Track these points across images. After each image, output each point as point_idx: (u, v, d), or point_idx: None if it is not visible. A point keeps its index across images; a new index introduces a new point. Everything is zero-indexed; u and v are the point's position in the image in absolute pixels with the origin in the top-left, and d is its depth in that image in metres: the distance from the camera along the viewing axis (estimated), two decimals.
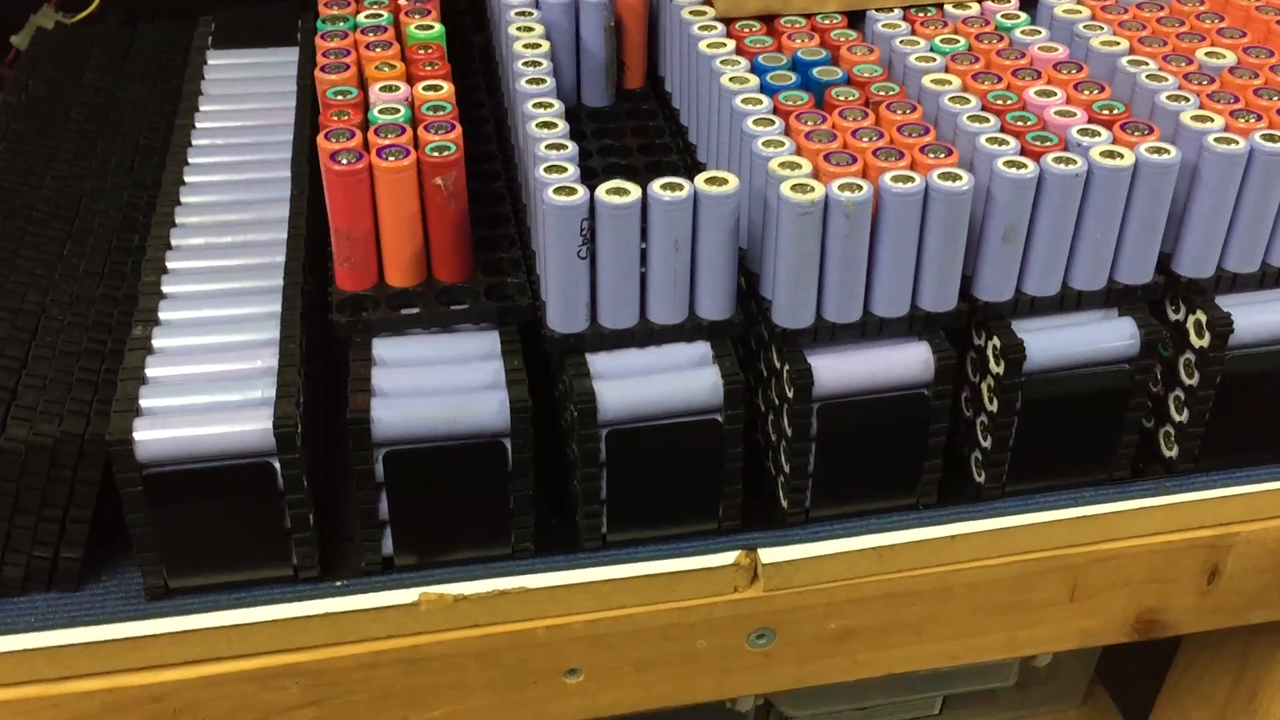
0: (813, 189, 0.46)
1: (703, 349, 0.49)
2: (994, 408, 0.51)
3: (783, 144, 0.49)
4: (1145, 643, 0.71)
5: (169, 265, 0.52)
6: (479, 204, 0.54)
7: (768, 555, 0.51)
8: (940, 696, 0.76)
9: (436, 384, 0.47)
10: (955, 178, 0.47)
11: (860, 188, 0.46)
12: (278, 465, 0.46)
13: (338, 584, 0.49)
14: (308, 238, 0.54)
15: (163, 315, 0.50)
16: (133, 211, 0.57)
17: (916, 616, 0.55)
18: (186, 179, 0.57)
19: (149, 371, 0.47)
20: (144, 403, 0.46)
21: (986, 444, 0.52)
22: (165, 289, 0.51)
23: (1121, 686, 0.83)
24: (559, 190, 0.46)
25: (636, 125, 0.62)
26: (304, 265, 0.53)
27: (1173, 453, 0.54)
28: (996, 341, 0.50)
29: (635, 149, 0.59)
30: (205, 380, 0.47)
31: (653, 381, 0.48)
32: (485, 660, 0.51)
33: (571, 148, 0.48)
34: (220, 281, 0.52)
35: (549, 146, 0.49)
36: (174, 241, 0.54)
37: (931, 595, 0.54)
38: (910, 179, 0.46)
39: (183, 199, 0.56)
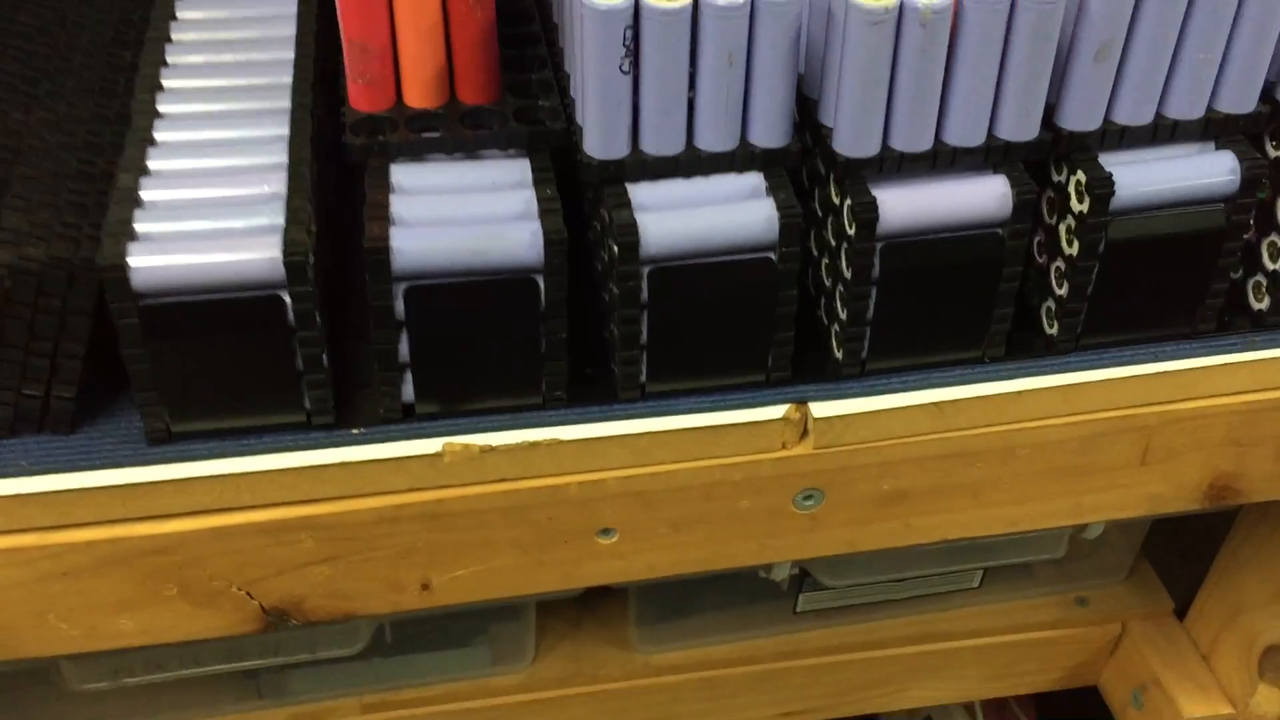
0: None
1: (755, 180, 0.45)
2: (1073, 250, 0.46)
3: None
4: (1185, 525, 0.67)
5: (165, 84, 0.47)
6: (506, 23, 0.49)
7: (819, 410, 0.47)
8: (981, 570, 0.73)
9: (462, 213, 0.43)
10: None
11: None
12: (287, 299, 0.42)
13: (355, 432, 0.45)
14: (318, 57, 0.49)
15: (159, 136, 0.45)
16: (125, 27, 0.52)
17: (975, 479, 0.51)
18: None
19: (144, 194, 0.43)
20: (139, 227, 0.41)
21: (1061, 291, 0.48)
22: (161, 108, 0.46)
23: (1159, 566, 0.80)
24: None
25: None
26: (313, 86, 0.48)
27: (1262, 304, 0.50)
28: (1081, 175, 0.45)
29: None
30: (207, 205, 0.43)
31: (700, 214, 0.44)
32: (513, 517, 0.48)
33: None
34: (221, 102, 0.47)
35: None
36: (170, 59, 0.49)
37: (993, 456, 0.50)
38: None
39: (179, 13, 0.51)
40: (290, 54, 0.49)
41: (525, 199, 0.43)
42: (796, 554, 0.53)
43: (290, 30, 0.50)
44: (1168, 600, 0.77)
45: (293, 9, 0.51)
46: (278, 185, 0.43)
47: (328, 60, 0.50)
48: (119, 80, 0.49)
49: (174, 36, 0.50)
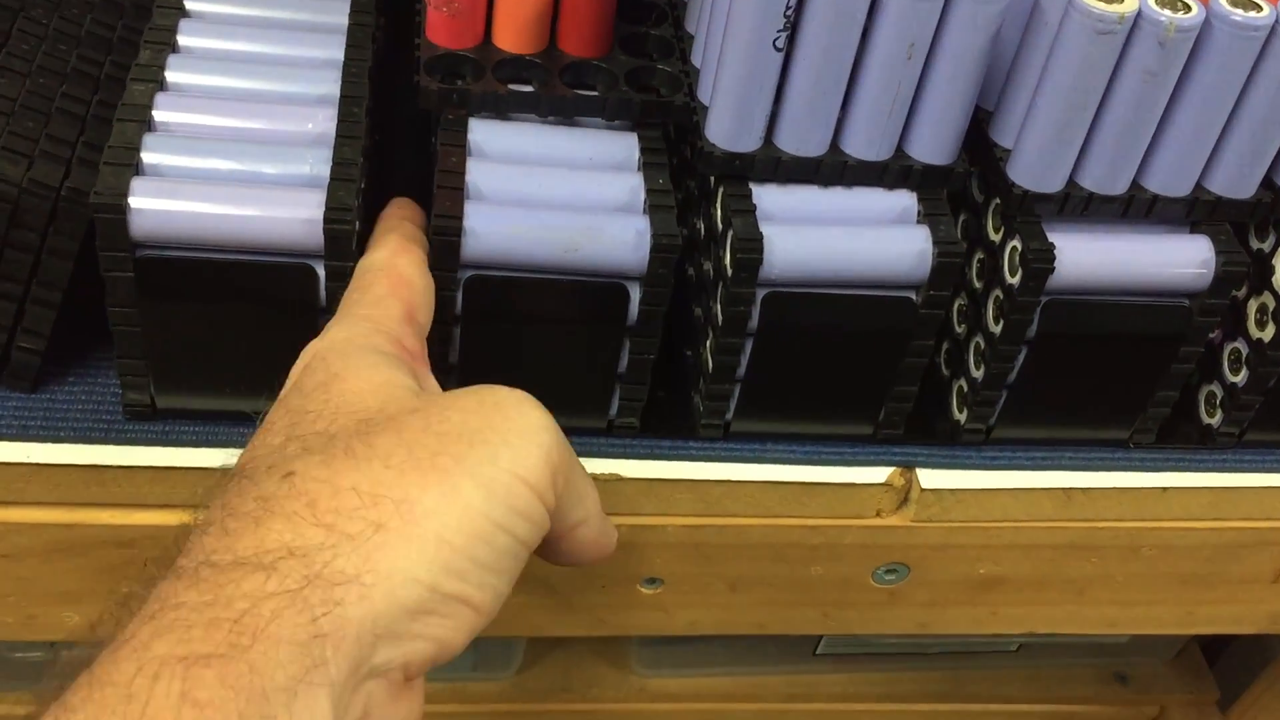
0: None
1: (905, 201, 0.37)
2: (1264, 334, 0.39)
3: None
4: None
5: None
6: None
7: (928, 479, 0.40)
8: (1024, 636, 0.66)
9: (551, 194, 0.35)
10: None
11: (1189, 7, 0.33)
12: (322, 272, 0.33)
13: None
14: None
15: (182, 40, 0.36)
16: None
17: (1086, 574, 0.43)
18: None
19: (158, 114, 0.34)
20: (147, 157, 0.33)
21: (1236, 379, 0.40)
22: (189, 4, 0.37)
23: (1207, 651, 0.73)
24: None
25: None
26: (378, 2, 0.39)
27: None
28: None
29: None
30: (234, 138, 0.34)
31: (837, 235, 0.36)
32: None
33: None
34: (264, 6, 0.38)
35: None
36: None
37: (1113, 553, 0.43)
38: (1256, 6, 0.33)
39: None
40: None
41: (630, 186, 0.35)
42: (863, 628, 0.45)
43: None
44: (1213, 688, 0.71)
45: None
46: (324, 124, 0.35)
47: None
48: None
49: None
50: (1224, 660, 0.72)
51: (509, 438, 0.27)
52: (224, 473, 0.28)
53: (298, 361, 0.31)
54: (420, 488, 0.25)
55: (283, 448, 0.27)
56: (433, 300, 0.33)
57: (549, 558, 0.30)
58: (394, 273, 0.32)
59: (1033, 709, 0.69)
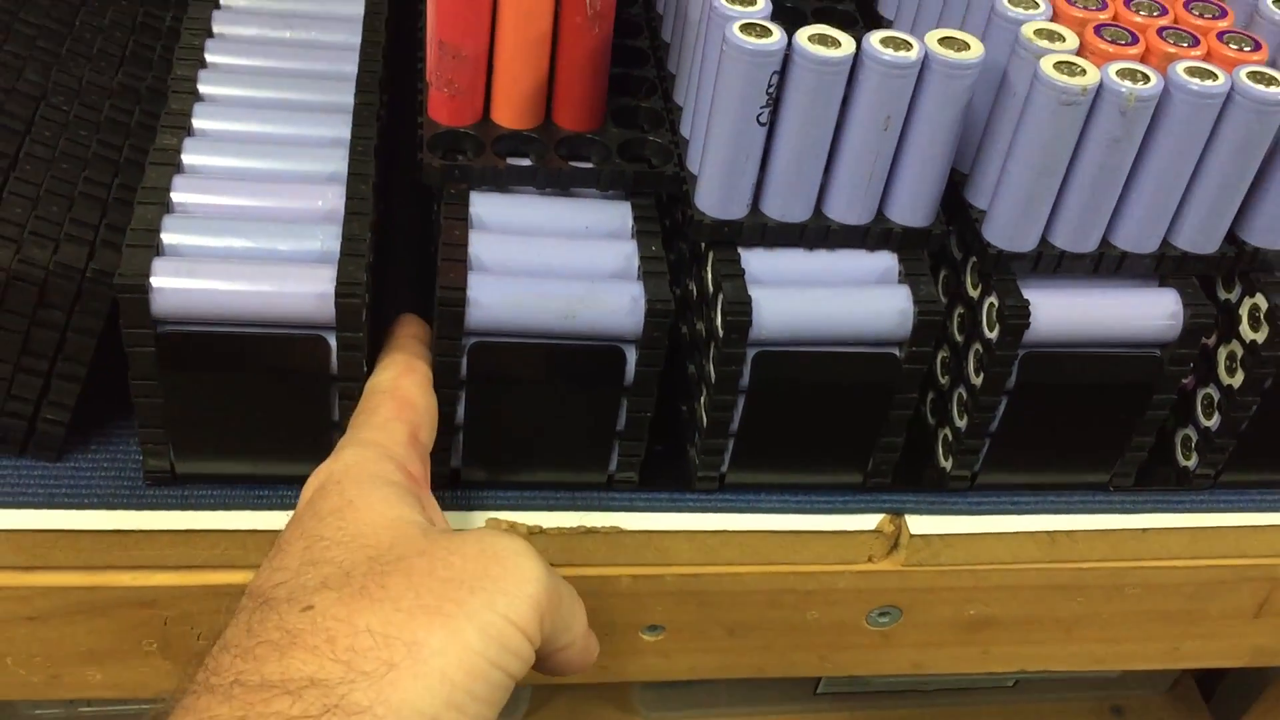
0: (1084, 71, 0.34)
1: (887, 262, 0.38)
2: (1235, 381, 0.40)
3: (1038, 6, 0.37)
4: None
5: (209, 58, 0.41)
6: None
7: (917, 524, 0.41)
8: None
9: (549, 263, 0.36)
10: (1269, 80, 0.35)
11: (1148, 78, 0.35)
12: (333, 343, 0.35)
13: None
14: (389, 45, 0.42)
15: (198, 123, 0.38)
16: None
17: (1073, 613, 0.45)
18: None
19: (176, 196, 0.36)
20: (167, 238, 0.34)
21: (1210, 423, 0.42)
22: (203, 88, 0.39)
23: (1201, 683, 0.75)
24: (748, 29, 0.34)
25: None
26: (382, 81, 0.41)
27: None
28: (1261, 301, 0.39)
29: (810, 12, 0.46)
30: (248, 217, 0.36)
31: (822, 297, 0.37)
32: None
33: None
34: (274, 88, 0.40)
35: None
36: (217, 28, 0.42)
37: (1098, 592, 0.44)
38: (1212, 75, 0.35)
39: None
40: (356, 38, 0.42)
41: (625, 254, 0.37)
42: (859, 669, 0.47)
43: (358, 8, 0.43)
44: (1208, 719, 0.72)
45: None
46: (334, 201, 0.37)
47: (403, 46, 0.44)
48: (155, 46, 0.42)
49: (223, 1, 0.43)
50: (1219, 692, 0.73)
51: (504, 585, 0.30)
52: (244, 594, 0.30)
53: (310, 480, 0.33)
54: (427, 630, 0.28)
55: (300, 575, 0.30)
56: (435, 419, 0.36)
57: (537, 670, 0.33)
58: (399, 395, 0.35)
59: None
